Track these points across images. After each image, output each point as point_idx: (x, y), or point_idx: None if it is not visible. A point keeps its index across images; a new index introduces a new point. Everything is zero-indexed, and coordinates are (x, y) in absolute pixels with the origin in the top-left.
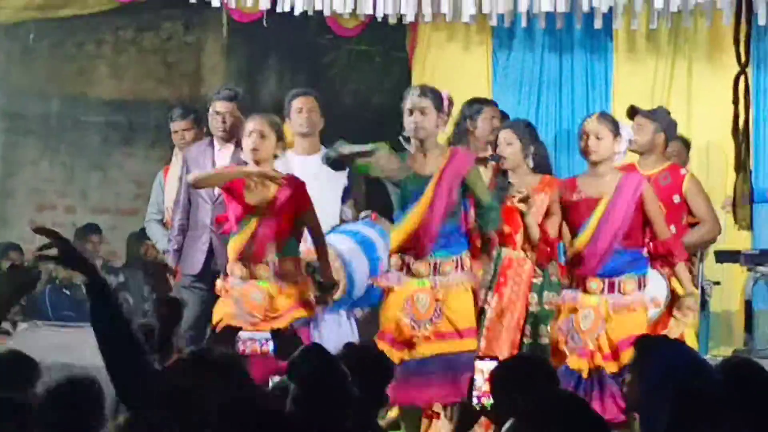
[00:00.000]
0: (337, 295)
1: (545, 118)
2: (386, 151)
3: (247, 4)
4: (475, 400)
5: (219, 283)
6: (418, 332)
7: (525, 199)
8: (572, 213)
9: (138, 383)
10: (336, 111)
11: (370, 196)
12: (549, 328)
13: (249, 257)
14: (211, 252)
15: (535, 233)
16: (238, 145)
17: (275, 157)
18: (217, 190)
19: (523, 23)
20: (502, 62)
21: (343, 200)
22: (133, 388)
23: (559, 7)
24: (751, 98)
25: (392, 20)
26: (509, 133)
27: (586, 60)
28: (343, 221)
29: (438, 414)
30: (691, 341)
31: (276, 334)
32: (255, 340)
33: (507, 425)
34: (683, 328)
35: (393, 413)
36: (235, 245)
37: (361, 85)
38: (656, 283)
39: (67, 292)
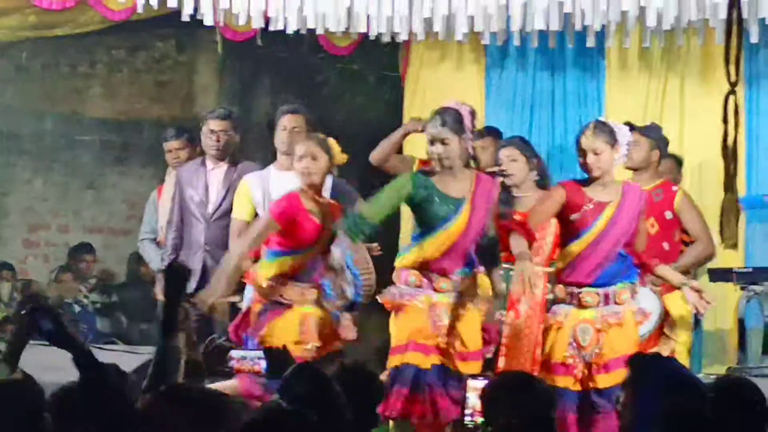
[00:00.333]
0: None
1: (538, 137)
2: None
3: (240, 23)
4: (467, 418)
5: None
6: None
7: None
8: (578, 219)
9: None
10: (328, 129)
11: None
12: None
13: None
14: (204, 271)
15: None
16: (232, 164)
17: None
18: (210, 209)
19: (516, 42)
20: (494, 81)
21: None
22: None
23: (552, 26)
24: (744, 117)
25: (385, 39)
26: (511, 149)
27: (579, 78)
28: None
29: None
30: (683, 359)
31: (268, 352)
32: (247, 359)
33: None
34: (674, 346)
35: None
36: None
37: (354, 103)
38: (648, 300)
39: (60, 312)
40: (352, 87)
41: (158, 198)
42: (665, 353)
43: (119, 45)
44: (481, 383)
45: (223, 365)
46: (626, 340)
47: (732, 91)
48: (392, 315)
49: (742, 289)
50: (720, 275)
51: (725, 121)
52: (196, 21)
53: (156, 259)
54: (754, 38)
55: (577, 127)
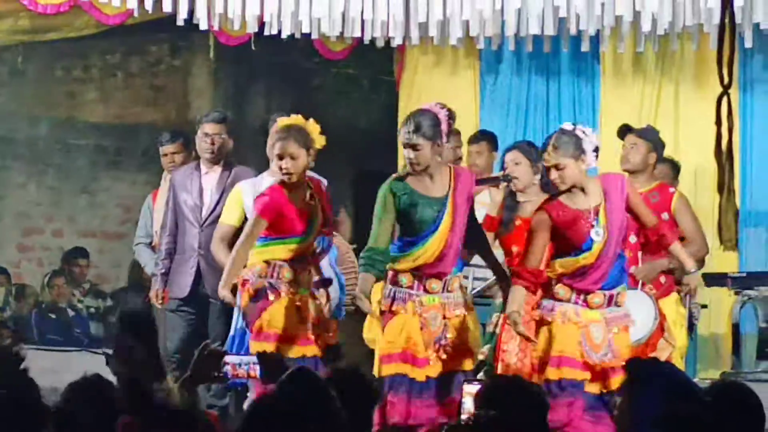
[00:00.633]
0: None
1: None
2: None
3: (235, 27)
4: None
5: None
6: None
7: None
8: (570, 231)
9: None
10: (322, 134)
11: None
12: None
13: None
14: (198, 276)
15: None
16: (226, 168)
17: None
18: (204, 213)
19: (511, 47)
20: (489, 86)
21: None
22: None
23: (547, 31)
24: (738, 120)
25: (380, 44)
26: (515, 153)
27: (573, 83)
28: None
29: None
30: (677, 364)
31: (262, 357)
32: (242, 365)
33: None
34: (671, 350)
35: None
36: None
37: (349, 108)
38: (644, 305)
39: (53, 317)
40: (346, 91)
41: (153, 202)
42: (663, 357)
43: (114, 49)
44: (475, 388)
45: (218, 370)
46: (626, 346)
47: (725, 93)
48: (378, 315)
49: (737, 293)
50: (715, 280)
51: (718, 123)
52: (190, 25)
53: (150, 264)
54: (748, 43)
55: None
